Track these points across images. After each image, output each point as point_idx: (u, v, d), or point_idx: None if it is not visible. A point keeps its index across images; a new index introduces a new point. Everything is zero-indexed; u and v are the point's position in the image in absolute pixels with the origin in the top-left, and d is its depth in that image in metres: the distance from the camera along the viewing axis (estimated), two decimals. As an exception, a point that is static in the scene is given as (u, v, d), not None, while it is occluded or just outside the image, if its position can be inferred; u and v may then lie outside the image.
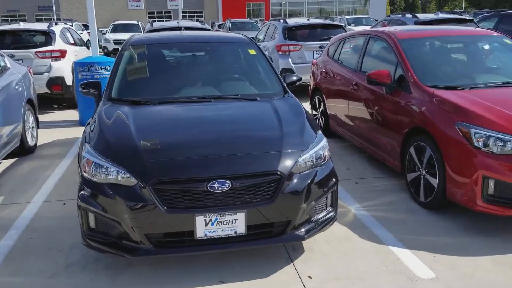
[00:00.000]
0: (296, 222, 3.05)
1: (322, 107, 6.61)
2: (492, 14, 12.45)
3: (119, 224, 2.90)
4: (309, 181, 3.06)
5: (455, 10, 28.52)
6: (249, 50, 4.67)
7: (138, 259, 3.20)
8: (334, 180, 3.26)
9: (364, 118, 5.21)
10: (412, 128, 4.21)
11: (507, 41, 5.10)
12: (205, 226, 2.86)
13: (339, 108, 6.00)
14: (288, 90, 4.23)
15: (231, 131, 3.36)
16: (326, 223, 3.23)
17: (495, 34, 5.29)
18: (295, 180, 3.01)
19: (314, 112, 7.00)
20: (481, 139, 3.49)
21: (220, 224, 2.87)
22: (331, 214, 3.28)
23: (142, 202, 2.82)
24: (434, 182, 3.87)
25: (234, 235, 2.92)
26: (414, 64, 4.57)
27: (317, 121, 6.86)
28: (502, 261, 3.19)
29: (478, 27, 10.34)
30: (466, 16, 10.91)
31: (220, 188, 2.85)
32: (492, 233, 3.58)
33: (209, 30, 11.65)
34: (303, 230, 3.09)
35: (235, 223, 2.89)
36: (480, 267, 3.12)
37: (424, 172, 4.04)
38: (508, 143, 3.40)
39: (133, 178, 2.88)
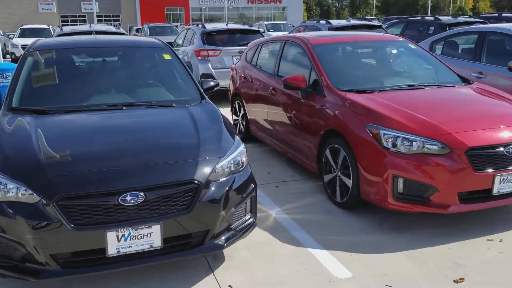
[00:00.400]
0: (215, 231, 2.98)
1: (242, 112, 6.62)
2: (398, 20, 13.29)
3: (22, 245, 2.65)
4: (227, 188, 3.01)
5: (366, 17, 30.13)
6: (164, 55, 4.53)
7: (44, 282, 2.95)
8: (252, 186, 3.24)
9: (282, 122, 5.27)
10: (327, 130, 4.32)
11: (411, 46, 5.43)
12: (117, 242, 2.69)
13: (258, 112, 6.03)
14: (205, 96, 4.16)
15: (144, 139, 3.22)
16: (246, 229, 3.19)
17: (400, 40, 5.61)
18: (213, 188, 2.95)
19: (234, 117, 6.99)
20: (390, 140, 3.65)
21: (134, 239, 2.73)
22: (251, 220, 3.25)
23: (46, 220, 2.61)
24: (349, 182, 3.99)
25: (149, 249, 2.79)
26: (327, 68, 4.71)
27: (237, 126, 6.86)
28: (413, 256, 3.35)
29: (387, 32, 10.96)
30: (375, 23, 11.53)
31: (132, 201, 2.70)
32: (403, 229, 3.76)
33: (124, 34, 11.25)
34: (222, 238, 3.03)
35: (150, 236, 2.76)
36: (394, 264, 3.25)
37: (339, 173, 4.15)
38: (414, 142, 3.58)
39: (35, 194, 2.65)
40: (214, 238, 2.99)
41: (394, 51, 5.51)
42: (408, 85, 4.59)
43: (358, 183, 3.88)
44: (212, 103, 4.00)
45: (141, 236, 2.73)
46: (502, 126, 3.71)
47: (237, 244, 3.34)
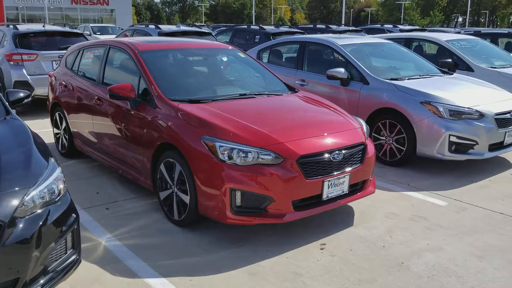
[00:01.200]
0: (28, 278, 2.45)
1: (64, 124, 5.89)
2: (227, 28, 13.64)
3: None
4: (40, 224, 2.50)
5: (196, 23, 30.56)
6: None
7: None
8: (73, 216, 2.77)
9: (111, 135, 4.80)
10: (161, 144, 4.03)
11: (240, 54, 5.47)
12: None
13: (83, 125, 5.42)
14: (11, 110, 3.49)
15: None
16: (68, 269, 2.71)
17: (230, 48, 5.61)
18: (21, 226, 2.42)
19: (56, 130, 6.20)
20: (226, 152, 3.53)
21: None
22: (74, 257, 2.78)
23: None
24: (186, 198, 3.77)
25: None
26: (157, 77, 4.41)
27: (59, 140, 6.10)
28: (254, 271, 3.28)
29: (216, 40, 11.12)
30: (205, 29, 11.61)
31: None
32: (243, 242, 3.68)
33: None
34: (39, 284, 2.52)
35: None
36: (235, 283, 3.12)
37: (176, 189, 3.90)
38: (249, 154, 3.52)
39: None
40: (26, 286, 2.46)
41: (225, 59, 5.48)
42: (240, 94, 4.57)
43: (196, 199, 3.68)
44: (19, 119, 3.37)
45: None
46: (327, 133, 3.90)
47: (60, 287, 2.83)
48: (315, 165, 3.67)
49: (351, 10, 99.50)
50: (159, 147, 4.06)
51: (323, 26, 14.51)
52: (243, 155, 3.52)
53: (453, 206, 4.50)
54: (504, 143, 5.46)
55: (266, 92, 4.79)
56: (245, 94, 4.59)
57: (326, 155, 3.71)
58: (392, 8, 79.08)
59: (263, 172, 3.50)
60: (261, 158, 3.53)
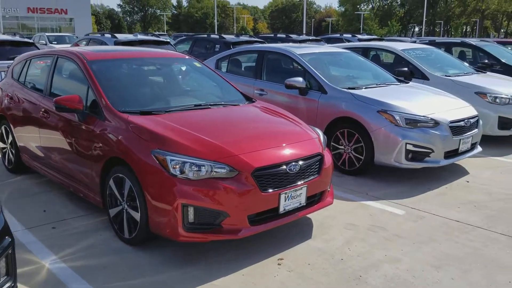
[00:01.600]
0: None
1: (11, 138, 5.57)
2: (187, 37, 13.47)
3: None
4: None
5: (155, 32, 30.20)
6: None
7: None
8: (8, 240, 2.54)
9: (59, 149, 4.55)
10: (110, 158, 3.83)
11: (196, 64, 5.33)
12: None
13: (30, 139, 5.13)
14: None
15: None
16: (1, 299, 2.48)
17: (186, 57, 5.46)
18: None
19: (1, 145, 5.86)
20: (177, 166, 3.38)
21: None
22: (8, 285, 2.55)
23: None
24: (137, 216, 3.58)
25: None
26: (107, 87, 4.21)
27: (6, 155, 5.77)
28: (208, 290, 3.13)
29: (175, 49, 10.95)
30: (163, 39, 11.41)
31: None
32: (196, 260, 3.52)
33: None
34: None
35: None
36: (188, 303, 2.97)
37: (126, 206, 3.70)
38: (203, 167, 3.38)
39: None
40: None
41: (181, 69, 5.34)
42: (195, 105, 4.43)
43: (146, 216, 3.50)
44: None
45: None
46: (284, 144, 3.81)
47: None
48: (271, 178, 3.56)
49: (313, 20, 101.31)
50: (108, 161, 3.86)
51: (284, 36, 14.57)
52: (195, 168, 3.38)
53: (410, 215, 4.49)
54: (459, 150, 5.54)
55: (222, 103, 4.67)
56: (200, 105, 4.45)
57: (283, 167, 3.61)
58: (352, 18, 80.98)
59: (217, 186, 3.36)
60: (215, 172, 3.39)
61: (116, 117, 3.90)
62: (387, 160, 5.37)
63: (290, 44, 7.83)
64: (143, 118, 3.89)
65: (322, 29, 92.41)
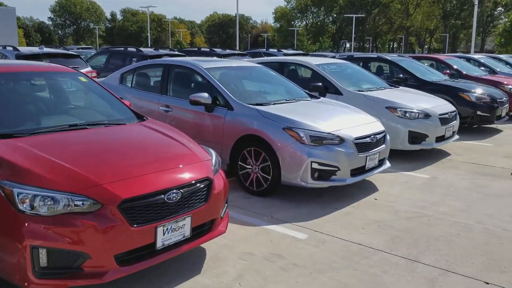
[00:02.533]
0: None
1: None
2: (103, 50, 12.76)
3: None
4: None
5: (85, 46, 28.92)
6: None
7: None
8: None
9: None
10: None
11: (82, 78, 4.79)
12: None
13: None
14: None
15: None
16: None
17: (71, 72, 4.89)
18: None
19: None
20: (27, 200, 2.84)
21: None
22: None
23: None
24: (-18, 260, 2.99)
25: None
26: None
27: None
28: None
29: (86, 62, 10.24)
30: (73, 52, 10.66)
31: None
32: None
33: None
34: None
35: None
36: None
37: (-29, 249, 3.10)
38: (58, 201, 2.87)
39: None
40: None
41: (64, 85, 4.78)
42: (70, 125, 3.89)
43: (-8, 261, 2.92)
44: None
45: None
46: (163, 170, 3.37)
47: None
48: (145, 209, 3.11)
49: (249, 35, 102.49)
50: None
51: (208, 50, 14.23)
52: (49, 203, 2.86)
53: (312, 239, 4.20)
54: (366, 167, 5.37)
55: (105, 122, 4.17)
56: (76, 125, 3.93)
57: (160, 196, 3.17)
58: (286, 34, 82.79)
59: (74, 223, 2.86)
60: (72, 206, 2.89)
61: (-36, 142, 3.30)
62: (293, 179, 5.08)
63: (198, 58, 7.43)
64: (-3, 142, 3.31)
65: (258, 44, 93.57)
